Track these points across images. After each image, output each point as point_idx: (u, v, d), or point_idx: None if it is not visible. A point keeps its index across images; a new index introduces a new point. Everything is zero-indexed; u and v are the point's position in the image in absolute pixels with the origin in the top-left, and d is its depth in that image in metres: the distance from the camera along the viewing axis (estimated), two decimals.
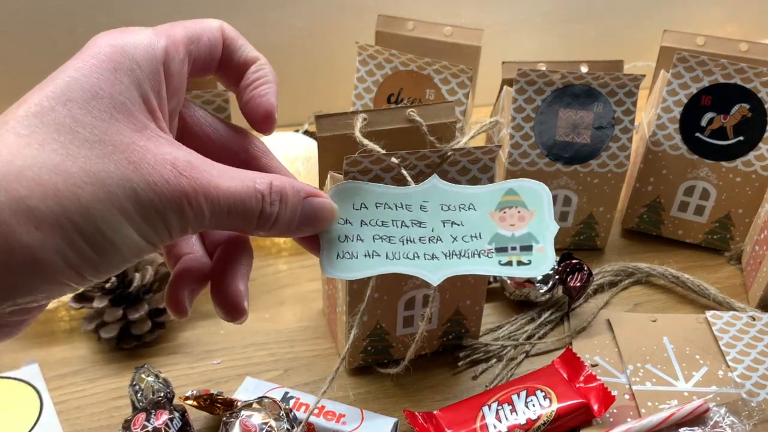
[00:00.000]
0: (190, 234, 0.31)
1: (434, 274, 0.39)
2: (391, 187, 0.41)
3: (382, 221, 0.39)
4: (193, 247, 0.36)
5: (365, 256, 0.38)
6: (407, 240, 0.40)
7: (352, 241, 0.38)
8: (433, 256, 0.39)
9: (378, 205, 0.40)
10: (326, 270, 0.37)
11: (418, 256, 0.39)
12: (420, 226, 0.40)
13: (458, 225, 0.40)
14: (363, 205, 0.39)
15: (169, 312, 0.35)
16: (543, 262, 0.40)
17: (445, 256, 0.40)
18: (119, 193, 0.26)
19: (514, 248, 0.41)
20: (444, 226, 0.40)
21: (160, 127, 0.30)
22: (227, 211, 0.30)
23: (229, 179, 0.30)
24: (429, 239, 0.40)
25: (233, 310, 0.36)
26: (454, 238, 0.40)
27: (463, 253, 0.40)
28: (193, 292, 0.35)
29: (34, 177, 0.24)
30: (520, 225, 0.41)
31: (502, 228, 0.41)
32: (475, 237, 0.41)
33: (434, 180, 0.42)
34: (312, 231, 0.35)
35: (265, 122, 0.35)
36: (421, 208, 0.41)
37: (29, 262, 0.24)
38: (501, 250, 0.41)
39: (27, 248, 0.24)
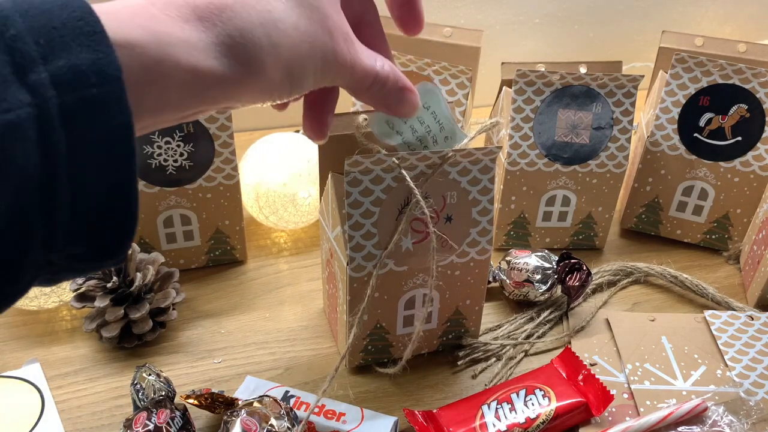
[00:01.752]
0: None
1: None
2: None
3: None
4: None
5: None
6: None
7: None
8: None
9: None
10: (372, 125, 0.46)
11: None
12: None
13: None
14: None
15: (311, 136, 0.43)
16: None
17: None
18: (317, 55, 0.34)
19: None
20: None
21: None
22: (357, 80, 0.37)
23: (365, 57, 0.37)
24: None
25: (321, 134, 0.43)
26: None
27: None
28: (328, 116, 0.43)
29: (285, 29, 0.32)
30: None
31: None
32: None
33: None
34: (392, 112, 0.42)
35: (414, 29, 0.43)
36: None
37: (265, 86, 0.33)
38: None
39: (270, 74, 0.32)
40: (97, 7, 0.26)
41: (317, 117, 0.42)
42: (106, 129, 0.25)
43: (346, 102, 0.74)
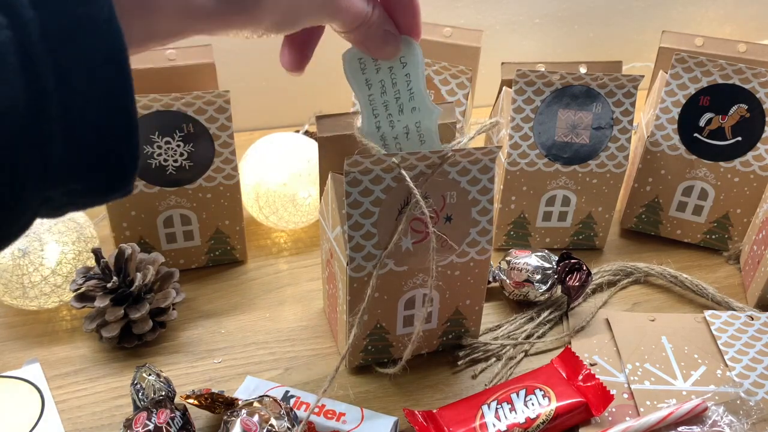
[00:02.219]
0: None
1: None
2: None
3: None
4: None
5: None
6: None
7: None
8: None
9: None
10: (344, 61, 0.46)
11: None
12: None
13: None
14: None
15: (289, 68, 0.43)
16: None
17: None
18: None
19: None
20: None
21: None
22: (346, 23, 0.39)
23: (359, 2, 0.38)
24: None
25: (300, 67, 0.43)
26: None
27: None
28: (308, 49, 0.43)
29: None
30: None
31: None
32: None
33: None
34: (372, 53, 0.44)
35: (410, 29, 0.44)
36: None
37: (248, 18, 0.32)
38: None
39: (263, 15, 0.33)
40: None
41: (299, 50, 0.42)
42: (96, 50, 0.23)
43: (346, 102, 0.75)
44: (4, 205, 0.23)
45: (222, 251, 0.70)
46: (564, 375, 0.55)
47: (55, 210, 0.26)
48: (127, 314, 0.59)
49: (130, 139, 0.25)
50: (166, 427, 0.47)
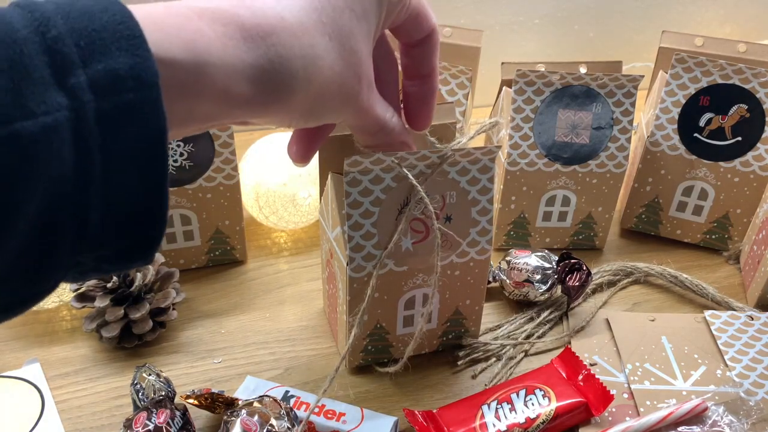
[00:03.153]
0: None
1: None
2: None
3: None
4: None
5: None
6: None
7: None
8: None
9: None
10: None
11: None
12: None
13: None
14: None
15: (294, 158, 0.45)
16: None
17: None
18: (342, 96, 0.35)
19: None
20: None
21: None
22: (366, 125, 0.39)
23: (379, 107, 0.39)
24: None
25: (305, 159, 0.45)
26: None
27: None
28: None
29: (322, 66, 0.33)
30: None
31: None
32: None
33: None
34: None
35: (421, 128, 0.45)
36: None
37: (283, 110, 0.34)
38: None
39: (295, 105, 0.34)
40: (141, 11, 0.27)
41: (306, 144, 0.43)
42: (140, 133, 0.25)
43: None
44: (41, 266, 0.25)
45: (222, 251, 0.70)
46: (564, 375, 0.55)
47: (81, 274, 0.28)
48: (127, 314, 0.59)
49: (161, 213, 0.27)
50: (166, 427, 0.47)
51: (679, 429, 0.52)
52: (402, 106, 0.44)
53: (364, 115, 0.38)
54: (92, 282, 0.59)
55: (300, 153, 0.44)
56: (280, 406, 0.47)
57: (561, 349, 0.59)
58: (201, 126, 0.32)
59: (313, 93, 0.33)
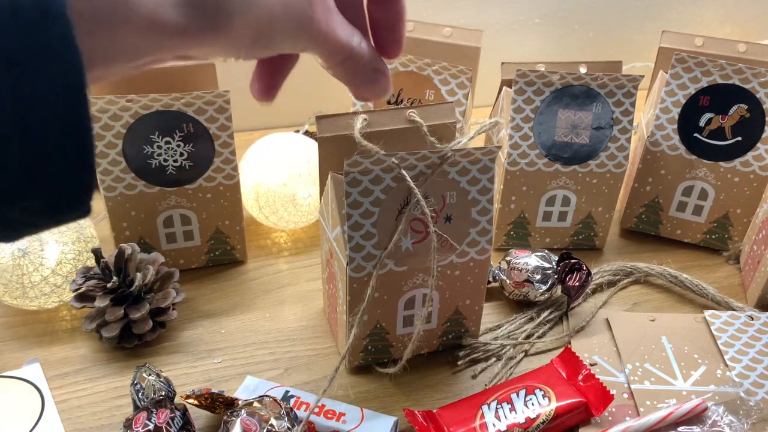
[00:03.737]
0: None
1: None
2: None
3: None
4: None
5: None
6: None
7: None
8: None
9: None
10: None
11: None
12: None
13: None
14: None
15: (257, 96, 0.41)
16: None
17: None
18: (291, 19, 0.32)
19: None
20: None
21: None
22: (330, 52, 0.36)
23: (342, 30, 0.35)
24: None
25: (269, 96, 0.42)
26: None
27: None
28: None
29: None
30: None
31: None
32: None
33: None
34: (361, 93, 0.40)
35: (391, 56, 0.41)
36: None
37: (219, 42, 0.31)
38: None
39: (235, 32, 0.31)
40: None
41: (269, 79, 0.40)
42: (52, 72, 0.23)
43: (346, 102, 0.75)
44: None
45: (222, 251, 0.70)
46: (564, 375, 0.55)
47: (10, 230, 0.27)
48: (127, 314, 0.59)
49: (84, 159, 0.25)
50: (166, 427, 0.47)
51: (679, 429, 0.52)
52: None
53: (324, 41, 0.34)
54: (92, 282, 0.59)
55: (262, 89, 0.40)
56: (280, 406, 0.47)
57: (561, 349, 0.59)
58: (134, 63, 0.29)
59: (254, 17, 0.30)
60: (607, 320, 0.63)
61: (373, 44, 0.40)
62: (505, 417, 0.51)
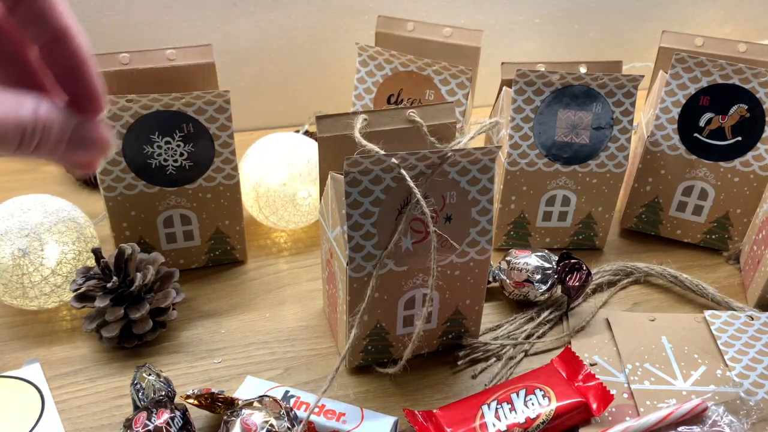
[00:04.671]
0: None
1: None
2: None
3: None
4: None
5: None
6: None
7: None
8: None
9: None
10: None
11: None
12: None
13: None
14: None
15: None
16: None
17: None
18: None
19: None
20: None
21: None
22: None
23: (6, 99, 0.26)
24: None
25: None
26: None
27: None
28: None
29: None
30: None
31: None
32: None
33: None
34: (77, 170, 0.31)
35: (92, 111, 0.31)
36: None
37: None
38: None
39: None
40: None
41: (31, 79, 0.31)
42: None
43: (346, 102, 0.75)
44: None
45: (222, 251, 0.70)
46: (564, 375, 0.55)
47: None
48: (127, 314, 0.59)
49: None
50: (166, 427, 0.47)
51: (679, 429, 0.52)
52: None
53: None
54: (92, 282, 0.59)
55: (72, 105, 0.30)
56: (280, 406, 0.47)
57: (561, 349, 0.59)
58: None
59: None
60: (607, 320, 0.63)
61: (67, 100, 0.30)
62: (505, 417, 0.51)
